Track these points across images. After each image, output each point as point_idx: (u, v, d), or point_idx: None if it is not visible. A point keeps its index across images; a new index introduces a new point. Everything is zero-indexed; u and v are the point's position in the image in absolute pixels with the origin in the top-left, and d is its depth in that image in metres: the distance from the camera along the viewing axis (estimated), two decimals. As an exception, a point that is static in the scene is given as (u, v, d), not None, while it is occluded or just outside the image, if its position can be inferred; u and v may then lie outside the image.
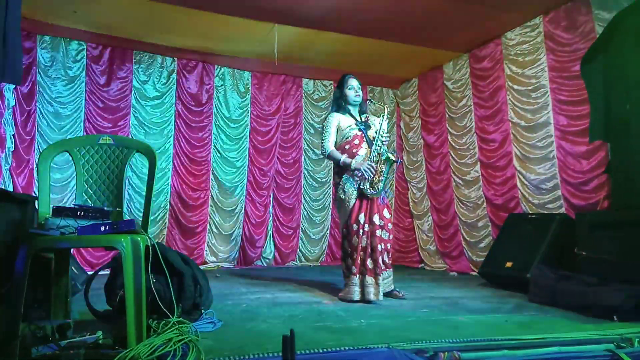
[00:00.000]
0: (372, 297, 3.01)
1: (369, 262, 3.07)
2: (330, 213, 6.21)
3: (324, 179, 6.23)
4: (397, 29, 4.71)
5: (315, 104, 6.28)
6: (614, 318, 2.50)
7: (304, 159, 6.16)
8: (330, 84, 6.34)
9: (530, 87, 4.47)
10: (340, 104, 3.33)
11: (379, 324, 2.41)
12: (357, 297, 3.05)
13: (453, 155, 5.46)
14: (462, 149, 5.32)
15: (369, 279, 3.05)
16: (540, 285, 3.11)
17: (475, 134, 5.14)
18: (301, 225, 6.06)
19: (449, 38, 4.93)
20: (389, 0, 4.10)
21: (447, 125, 5.55)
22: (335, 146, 3.26)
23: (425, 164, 5.90)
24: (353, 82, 3.31)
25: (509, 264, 3.79)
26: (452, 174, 5.45)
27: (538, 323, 2.48)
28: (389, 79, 6.31)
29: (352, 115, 3.30)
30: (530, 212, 4.37)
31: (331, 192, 6.23)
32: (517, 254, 3.78)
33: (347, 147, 3.22)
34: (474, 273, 4.85)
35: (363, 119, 3.32)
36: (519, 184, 4.57)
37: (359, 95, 3.29)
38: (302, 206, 6.10)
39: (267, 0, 4.15)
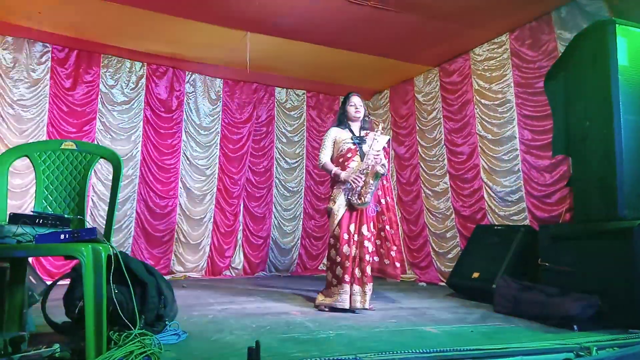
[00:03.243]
0: (358, 305, 3.13)
1: (357, 272, 3.17)
2: (301, 223, 6.19)
3: (295, 188, 6.22)
4: (369, 42, 4.79)
5: (288, 113, 6.28)
6: (574, 327, 2.58)
7: (276, 167, 6.13)
8: (303, 93, 6.37)
9: (496, 102, 4.61)
10: (341, 119, 3.49)
11: (347, 335, 2.40)
12: (348, 305, 3.12)
13: (423, 167, 5.55)
14: (432, 160, 5.42)
15: (356, 288, 3.15)
16: (505, 296, 3.17)
17: (444, 146, 5.25)
18: (271, 235, 6.02)
19: (420, 52, 5.04)
20: (361, 13, 4.15)
21: (417, 137, 5.65)
22: (331, 159, 3.40)
23: (396, 175, 5.97)
24: (354, 100, 3.45)
25: (475, 275, 3.85)
26: (422, 185, 5.53)
27: (502, 333, 2.53)
28: (361, 90, 6.34)
29: (351, 130, 3.43)
30: (496, 223, 4.48)
31: (302, 202, 6.23)
32: (484, 265, 3.84)
33: (340, 160, 3.36)
34: (442, 283, 4.91)
35: (362, 134, 3.43)
36: (485, 196, 4.68)
37: (359, 111, 3.42)
38: (272, 215, 6.06)
39: (240, 9, 4.14)
